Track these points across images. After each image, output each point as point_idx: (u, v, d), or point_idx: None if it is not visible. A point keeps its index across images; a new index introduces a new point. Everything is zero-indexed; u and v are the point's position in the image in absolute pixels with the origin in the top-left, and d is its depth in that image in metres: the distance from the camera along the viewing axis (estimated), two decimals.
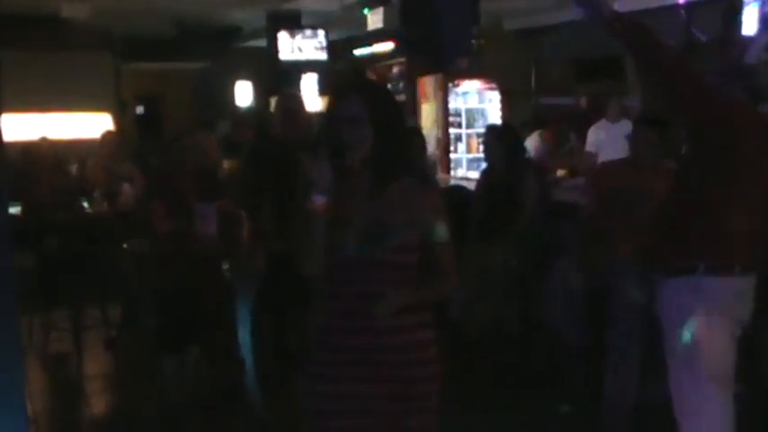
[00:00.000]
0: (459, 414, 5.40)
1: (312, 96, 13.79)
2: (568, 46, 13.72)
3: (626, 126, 5.55)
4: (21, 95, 11.97)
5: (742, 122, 3.71)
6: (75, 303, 7.27)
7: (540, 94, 15.21)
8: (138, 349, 7.13)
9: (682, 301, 3.73)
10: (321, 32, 14.41)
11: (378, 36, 13.41)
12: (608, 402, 5.17)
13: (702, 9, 10.20)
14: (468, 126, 13.73)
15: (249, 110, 17.09)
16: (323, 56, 14.48)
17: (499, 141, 6.99)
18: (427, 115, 14.04)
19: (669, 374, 3.83)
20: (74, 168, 10.01)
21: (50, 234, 7.39)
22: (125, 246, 7.11)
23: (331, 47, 14.68)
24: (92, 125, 13.21)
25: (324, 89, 14.47)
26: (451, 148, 13.71)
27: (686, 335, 3.69)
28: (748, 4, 8.49)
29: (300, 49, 14.28)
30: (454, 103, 13.71)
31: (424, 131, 9.73)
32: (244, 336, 6.35)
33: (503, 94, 13.66)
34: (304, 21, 14.38)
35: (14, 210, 7.92)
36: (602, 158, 8.85)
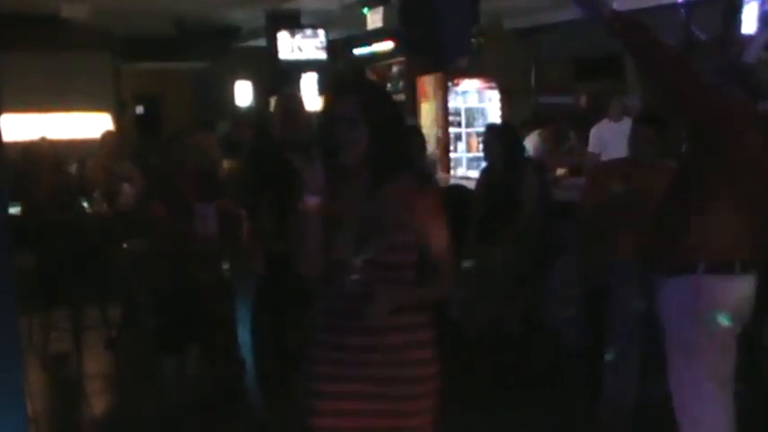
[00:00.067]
0: (459, 414, 5.39)
1: (312, 96, 13.80)
2: (568, 45, 13.73)
3: (628, 125, 5.55)
4: (20, 95, 11.99)
5: (741, 121, 3.71)
6: (75, 303, 7.27)
7: (540, 93, 15.22)
8: (138, 349, 7.12)
9: (682, 300, 3.74)
10: (321, 32, 14.42)
11: (377, 35, 13.43)
12: (608, 402, 5.17)
13: (702, 7, 10.19)
14: (468, 125, 13.75)
15: (249, 110, 17.10)
16: (322, 55, 14.49)
17: (499, 140, 6.99)
18: (427, 114, 14.06)
19: (669, 374, 3.83)
20: (73, 168, 10.01)
21: (50, 234, 7.39)
22: (125, 246, 7.11)
23: (331, 46, 14.69)
24: (91, 125, 13.22)
25: (323, 89, 14.47)
26: (451, 148, 13.73)
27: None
28: (748, 2, 8.48)
29: (300, 49, 14.29)
30: (454, 102, 13.73)
31: (424, 131, 9.72)
32: (244, 336, 6.35)
33: (502, 93, 13.67)
34: (304, 20, 14.39)
35: (14, 210, 7.92)
36: (606, 158, 8.84)
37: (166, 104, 19.31)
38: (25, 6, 12.02)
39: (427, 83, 14.00)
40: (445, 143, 13.61)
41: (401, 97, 14.50)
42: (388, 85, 15.05)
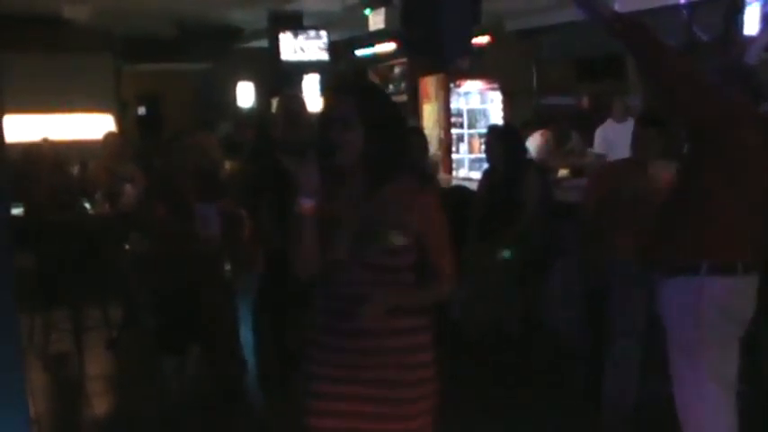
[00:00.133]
0: (459, 414, 5.40)
1: (314, 97, 13.80)
2: (569, 46, 13.73)
3: (632, 125, 5.57)
4: (22, 96, 11.98)
5: (742, 122, 3.71)
6: (76, 304, 7.28)
7: (542, 93, 15.21)
8: (139, 350, 7.13)
9: (684, 300, 3.74)
10: (323, 33, 14.42)
11: (379, 37, 13.43)
12: (608, 402, 5.17)
13: (703, 8, 10.19)
14: (470, 126, 13.74)
15: (251, 111, 17.11)
16: (324, 56, 14.48)
17: (500, 141, 6.99)
18: (429, 115, 14.07)
19: (671, 374, 3.83)
20: (75, 169, 10.02)
21: (51, 234, 7.40)
22: (126, 246, 7.12)
23: (333, 47, 14.69)
24: (93, 126, 13.22)
25: (324, 90, 14.48)
26: (453, 149, 13.73)
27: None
28: (750, 3, 8.48)
29: (302, 50, 14.29)
30: (456, 103, 13.73)
31: (426, 132, 9.73)
32: (245, 336, 6.36)
33: (504, 94, 13.67)
34: (305, 21, 14.39)
35: (16, 210, 7.93)
36: (612, 159, 8.84)
37: (168, 105, 19.33)
38: (27, 7, 12.03)
39: (429, 84, 14.01)
40: (447, 144, 13.61)
41: (403, 98, 14.51)
42: (390, 86, 15.06)
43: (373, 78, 15.14)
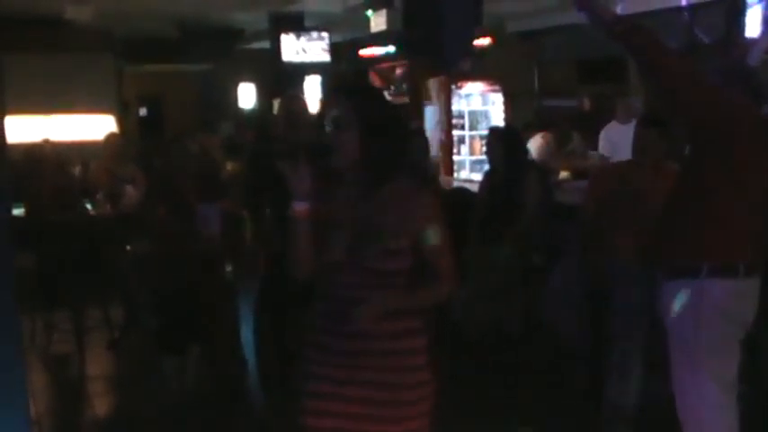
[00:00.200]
0: (459, 414, 5.40)
1: (315, 98, 13.80)
2: (570, 47, 13.74)
3: None
4: (24, 97, 12.00)
5: (742, 122, 3.71)
6: (77, 304, 7.29)
7: (543, 95, 15.22)
8: (140, 350, 7.14)
9: (685, 303, 3.74)
10: (324, 34, 14.42)
11: (381, 38, 13.41)
12: (609, 403, 5.17)
13: (705, 10, 10.20)
14: (472, 128, 13.74)
15: (252, 112, 17.12)
16: (326, 58, 14.48)
17: (501, 143, 6.99)
18: (430, 117, 14.06)
19: (672, 376, 3.83)
20: (77, 170, 10.03)
21: (52, 235, 7.40)
22: (128, 247, 7.12)
23: (334, 49, 14.69)
24: (94, 127, 13.23)
25: (326, 91, 14.49)
26: (455, 150, 13.72)
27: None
28: (751, 5, 8.49)
29: (304, 51, 14.29)
30: (457, 105, 13.73)
31: (428, 133, 9.74)
32: (245, 336, 6.36)
33: (505, 95, 13.67)
34: (307, 22, 14.39)
35: (18, 211, 7.94)
36: (617, 160, 8.83)
37: (169, 106, 19.34)
38: (28, 8, 12.04)
39: (431, 85, 14.01)
40: (448, 146, 13.60)
41: (405, 100, 14.51)
42: (392, 87, 15.06)
43: (375, 80, 15.13)
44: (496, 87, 13.68)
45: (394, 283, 2.93)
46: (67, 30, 13.61)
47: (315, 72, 14.68)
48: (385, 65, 15.06)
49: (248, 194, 6.09)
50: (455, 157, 13.67)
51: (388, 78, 15.24)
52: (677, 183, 3.97)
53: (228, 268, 6.65)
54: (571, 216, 6.15)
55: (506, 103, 13.65)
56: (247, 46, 16.49)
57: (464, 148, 13.78)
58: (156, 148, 10.75)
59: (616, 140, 9.60)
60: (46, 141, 10.78)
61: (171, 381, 5.89)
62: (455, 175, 13.28)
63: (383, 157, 2.92)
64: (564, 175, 10.27)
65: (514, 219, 6.67)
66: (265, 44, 14.82)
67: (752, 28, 8.47)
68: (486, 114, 13.77)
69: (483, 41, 13.11)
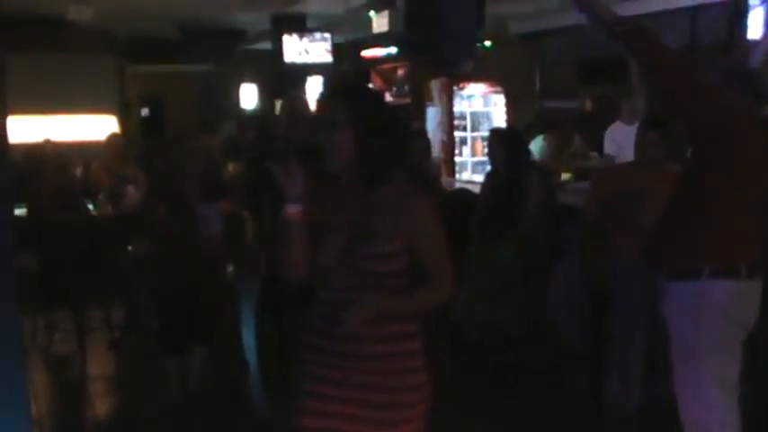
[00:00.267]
0: (459, 414, 5.41)
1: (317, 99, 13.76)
2: (572, 49, 13.74)
3: None
4: (25, 97, 11.99)
5: (742, 122, 3.71)
6: (78, 305, 7.29)
7: (545, 96, 15.22)
8: (141, 351, 7.14)
9: (687, 304, 3.74)
10: (326, 35, 14.42)
11: (383, 39, 13.40)
12: (610, 403, 5.17)
13: (707, 12, 10.20)
14: (473, 129, 13.75)
15: (254, 112, 17.11)
16: (328, 59, 14.48)
17: (502, 144, 6.99)
18: (432, 118, 14.05)
19: (673, 376, 3.83)
20: (78, 171, 10.03)
21: (53, 235, 7.41)
22: (129, 248, 7.12)
23: (336, 50, 14.69)
24: (96, 127, 13.24)
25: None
26: (456, 152, 13.71)
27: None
28: (754, 7, 8.49)
29: (306, 52, 14.29)
30: (459, 106, 13.72)
31: (429, 134, 9.73)
32: (247, 337, 6.36)
33: (507, 97, 13.67)
34: (309, 23, 14.40)
35: (19, 211, 7.94)
36: (622, 160, 8.83)
37: (171, 107, 19.34)
38: (30, 8, 12.04)
39: (433, 87, 14.00)
40: (450, 147, 13.59)
41: (406, 101, 14.50)
42: (394, 88, 15.05)
43: (376, 80, 15.12)
44: (498, 89, 13.69)
45: (389, 286, 2.91)
46: (69, 30, 13.63)
47: (317, 73, 14.68)
48: (387, 66, 15.03)
49: (249, 195, 6.09)
50: (457, 159, 13.65)
51: (389, 79, 15.21)
52: (678, 184, 3.97)
53: (229, 269, 6.65)
54: (573, 217, 6.16)
55: (508, 105, 13.66)
56: (249, 47, 16.49)
57: (466, 150, 13.78)
58: (157, 148, 10.76)
59: (621, 141, 9.61)
60: (47, 141, 10.77)
61: (172, 381, 5.88)
62: (457, 176, 13.27)
63: (378, 159, 2.90)
64: (566, 176, 10.27)
65: (515, 219, 6.67)
66: (267, 45, 14.82)
67: (754, 30, 8.48)
68: (487, 115, 13.77)
69: (485, 43, 13.11)
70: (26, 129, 11.92)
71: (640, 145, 5.21)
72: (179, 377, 5.90)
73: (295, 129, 5.85)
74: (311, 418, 2.97)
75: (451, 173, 13.09)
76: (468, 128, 13.76)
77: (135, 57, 15.90)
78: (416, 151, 6.70)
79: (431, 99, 13.93)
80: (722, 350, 3.73)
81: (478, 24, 10.70)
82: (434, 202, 3.09)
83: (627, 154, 8.79)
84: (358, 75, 14.87)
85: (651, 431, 5.17)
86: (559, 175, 10.03)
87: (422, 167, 6.70)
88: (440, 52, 10.47)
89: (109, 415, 6.28)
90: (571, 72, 15.14)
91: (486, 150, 7.93)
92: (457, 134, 13.70)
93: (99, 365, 7.17)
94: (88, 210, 8.33)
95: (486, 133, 11.44)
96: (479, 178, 10.14)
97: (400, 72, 14.84)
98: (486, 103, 13.84)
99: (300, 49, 14.22)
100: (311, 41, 14.30)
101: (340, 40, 15.10)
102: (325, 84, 14.74)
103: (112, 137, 9.34)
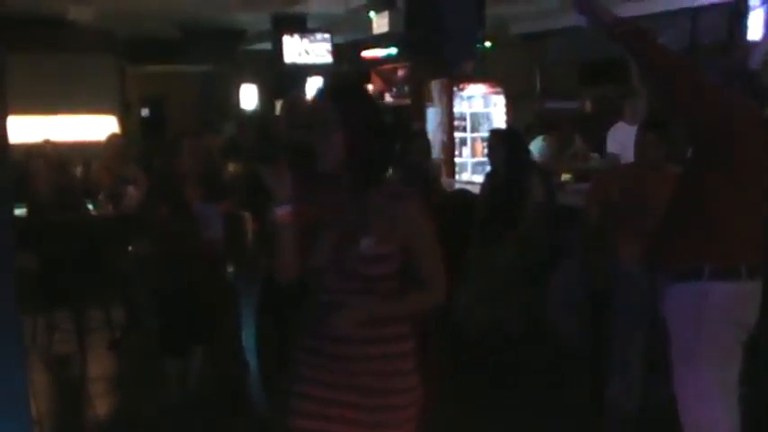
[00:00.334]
0: (459, 414, 5.41)
1: None
2: (573, 49, 13.75)
3: None
4: (26, 97, 11.99)
5: (742, 123, 3.71)
6: (79, 305, 7.29)
7: (545, 97, 15.21)
8: (142, 351, 7.14)
9: (686, 305, 3.74)
10: (327, 36, 14.42)
11: (383, 39, 13.41)
12: (611, 403, 5.17)
13: (707, 13, 10.20)
14: (473, 130, 13.72)
15: (254, 113, 17.11)
16: (328, 59, 14.48)
17: (502, 144, 6.99)
18: (432, 119, 14.05)
19: (673, 377, 3.83)
20: (78, 171, 10.04)
21: (53, 235, 7.41)
22: (130, 248, 7.12)
23: (336, 50, 14.69)
24: (96, 127, 13.25)
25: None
26: (456, 152, 13.71)
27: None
28: (754, 8, 8.50)
29: (306, 53, 14.29)
30: (459, 106, 13.70)
31: (429, 135, 9.73)
32: (247, 337, 6.36)
33: (507, 97, 13.67)
34: (309, 24, 14.40)
35: (19, 211, 7.94)
36: (626, 160, 8.83)
37: (171, 107, 19.34)
38: (30, 8, 12.05)
39: (433, 87, 14.00)
40: (450, 148, 13.58)
41: (406, 101, 14.51)
42: (394, 89, 15.06)
43: (376, 81, 15.14)
44: (498, 89, 13.67)
45: (381, 289, 2.90)
46: (70, 30, 13.63)
47: (317, 73, 14.68)
48: (387, 66, 15.05)
49: (249, 195, 6.09)
50: (457, 159, 13.64)
51: (390, 80, 15.23)
52: (678, 184, 3.97)
53: (230, 269, 6.65)
54: (573, 218, 6.16)
55: (508, 105, 13.64)
56: (250, 47, 16.49)
57: (466, 150, 13.76)
58: (157, 148, 10.76)
59: (624, 141, 9.60)
60: (47, 142, 10.78)
61: (172, 381, 5.89)
62: (457, 177, 13.27)
63: (370, 160, 2.88)
64: (566, 177, 10.26)
65: (515, 220, 6.68)
66: (267, 45, 14.83)
67: (754, 30, 8.49)
68: (487, 116, 13.75)
69: (485, 43, 13.12)
70: (26, 129, 11.92)
71: (640, 146, 5.22)
72: (179, 377, 5.90)
73: (294, 129, 5.85)
74: (304, 419, 2.96)
75: (451, 174, 13.08)
76: (468, 128, 13.74)
77: (135, 57, 15.90)
78: (416, 152, 6.70)
79: (431, 100, 13.92)
80: (722, 351, 3.73)
81: (479, 25, 10.72)
82: (434, 203, 3.08)
83: (630, 154, 8.80)
84: (358, 75, 14.88)
85: (652, 431, 5.17)
86: (559, 176, 10.03)
87: (422, 168, 6.70)
88: (440, 53, 10.49)
89: (109, 415, 6.28)
90: (571, 73, 15.15)
91: (485, 151, 7.92)
92: (457, 135, 13.68)
93: (99, 365, 7.18)
94: (88, 210, 8.34)
95: (486, 134, 11.45)
96: (479, 179, 10.13)
97: (400, 73, 14.85)
98: (486, 104, 13.81)
99: (301, 49, 14.22)
100: (311, 42, 14.30)
101: (340, 40, 15.10)
102: (324, 84, 14.74)
103: (113, 137, 9.34)
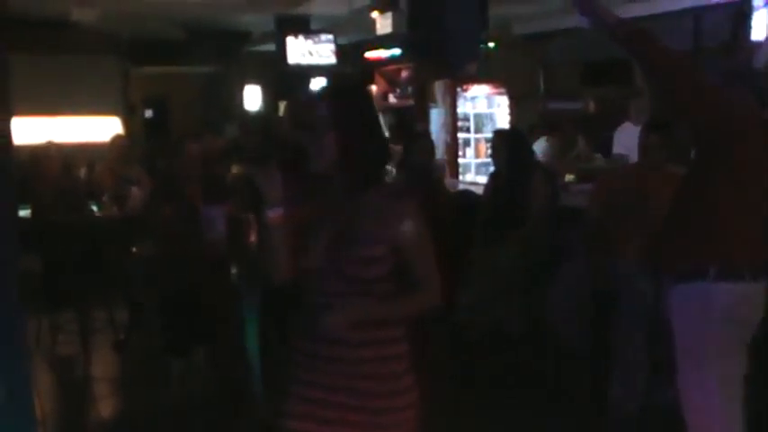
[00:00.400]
0: (459, 414, 5.42)
1: None
2: (576, 50, 13.73)
3: None
4: (29, 99, 11.99)
5: (742, 123, 3.72)
6: (83, 306, 7.30)
7: (548, 98, 15.20)
8: (145, 352, 7.15)
9: (690, 306, 3.74)
10: (330, 37, 14.41)
11: (386, 40, 13.40)
12: (613, 404, 5.18)
13: (711, 14, 10.19)
14: (477, 131, 13.72)
15: (258, 114, 17.10)
16: (332, 60, 14.47)
17: (505, 145, 6.99)
18: (436, 119, 14.05)
19: (677, 377, 3.83)
20: (82, 172, 10.05)
21: (57, 236, 7.43)
22: (134, 249, 7.13)
23: (340, 51, 14.68)
24: (100, 129, 13.25)
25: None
26: (460, 153, 13.71)
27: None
28: (758, 9, 8.49)
29: (310, 54, 14.29)
30: (463, 107, 13.71)
31: (433, 136, 9.73)
32: (250, 338, 6.36)
33: (511, 98, 13.66)
34: (313, 25, 14.39)
35: (23, 212, 7.96)
36: (634, 161, 8.83)
37: (175, 108, 19.33)
38: (34, 10, 12.05)
39: (436, 88, 13.99)
40: (454, 148, 13.58)
41: (410, 102, 14.51)
42: (397, 90, 15.06)
43: (380, 82, 15.14)
44: (502, 90, 13.67)
45: (376, 291, 2.89)
46: (73, 31, 13.63)
47: (321, 74, 14.66)
48: (390, 67, 15.05)
49: (249, 197, 6.09)
50: (460, 160, 13.64)
51: (393, 81, 15.22)
52: (681, 185, 3.97)
53: (233, 270, 6.66)
54: (575, 218, 6.16)
55: (511, 106, 13.63)
56: (253, 48, 16.47)
57: (469, 151, 13.76)
58: (161, 149, 10.77)
59: (629, 142, 9.59)
60: (51, 143, 10.78)
61: (175, 382, 5.90)
62: (460, 177, 13.27)
63: (364, 160, 2.87)
64: (569, 177, 10.26)
65: (518, 220, 6.68)
66: (271, 46, 14.81)
67: (758, 31, 8.48)
68: (491, 117, 13.75)
69: (489, 44, 13.11)
70: (30, 130, 11.91)
71: (642, 147, 5.22)
72: (181, 378, 5.91)
73: (297, 130, 5.86)
74: (301, 421, 2.96)
75: (455, 174, 13.09)
76: (472, 129, 13.73)
77: (139, 58, 15.89)
78: (420, 152, 6.71)
79: (434, 100, 13.93)
80: (726, 352, 3.73)
81: (482, 26, 10.70)
82: (438, 204, 3.09)
83: (635, 155, 8.80)
84: (361, 76, 14.86)
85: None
86: (563, 177, 10.02)
87: (425, 169, 6.70)
88: (443, 54, 10.47)
89: (112, 415, 6.29)
90: (574, 73, 15.12)
91: (489, 152, 7.91)
92: (460, 135, 13.69)
93: (103, 366, 7.19)
94: (92, 211, 8.35)
95: (489, 135, 11.44)
96: (483, 180, 10.14)
97: (404, 73, 14.85)
98: (489, 105, 13.81)
99: (304, 50, 14.21)
100: (315, 43, 14.29)
101: (344, 41, 15.09)
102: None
103: (116, 138, 9.34)
